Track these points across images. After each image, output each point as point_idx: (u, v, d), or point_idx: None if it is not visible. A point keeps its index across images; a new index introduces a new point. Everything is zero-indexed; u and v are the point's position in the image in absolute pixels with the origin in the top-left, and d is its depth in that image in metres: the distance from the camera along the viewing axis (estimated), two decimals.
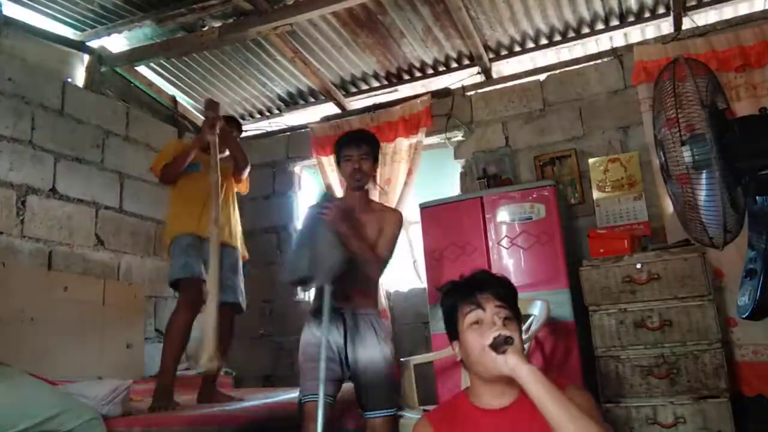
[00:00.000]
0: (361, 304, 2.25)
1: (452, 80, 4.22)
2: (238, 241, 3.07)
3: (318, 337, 2.15)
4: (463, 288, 1.51)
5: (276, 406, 2.79)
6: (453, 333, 1.54)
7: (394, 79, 4.31)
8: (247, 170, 3.12)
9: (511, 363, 1.34)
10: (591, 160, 3.71)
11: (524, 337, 2.00)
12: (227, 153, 3.02)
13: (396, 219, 2.33)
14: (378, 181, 2.48)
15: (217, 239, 2.68)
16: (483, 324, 1.43)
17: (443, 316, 1.57)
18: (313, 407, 2.02)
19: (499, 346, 1.36)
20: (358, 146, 2.31)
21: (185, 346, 2.77)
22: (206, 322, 2.51)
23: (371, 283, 2.31)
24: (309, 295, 4.40)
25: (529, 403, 1.39)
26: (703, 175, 1.64)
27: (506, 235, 3.31)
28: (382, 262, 2.24)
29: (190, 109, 4.67)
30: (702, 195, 1.67)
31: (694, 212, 1.73)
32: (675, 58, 1.75)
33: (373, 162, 2.36)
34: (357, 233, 2.18)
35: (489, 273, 1.56)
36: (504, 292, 1.48)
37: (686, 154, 1.63)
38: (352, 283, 2.19)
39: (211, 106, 3.04)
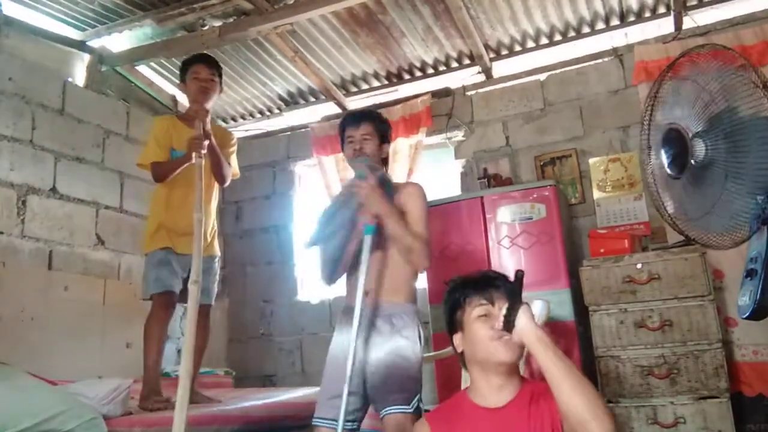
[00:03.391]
0: (385, 298, 1.96)
1: (453, 80, 4.21)
2: (215, 247, 2.89)
3: (340, 344, 1.92)
4: (477, 282, 1.53)
5: (276, 406, 2.79)
6: (454, 327, 1.55)
7: (395, 78, 4.30)
8: (227, 183, 2.87)
9: (521, 324, 1.36)
10: (591, 160, 3.71)
11: None
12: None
13: (416, 191, 2.03)
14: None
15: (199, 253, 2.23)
16: (490, 317, 1.46)
17: (446, 310, 1.57)
18: None
19: (510, 315, 1.38)
20: (357, 126, 2.09)
21: (164, 344, 2.73)
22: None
23: (406, 273, 2.00)
24: (309, 294, 4.41)
25: (526, 401, 1.42)
26: (720, 170, 1.63)
27: (507, 235, 3.31)
28: (425, 245, 1.92)
29: None
30: (721, 190, 1.66)
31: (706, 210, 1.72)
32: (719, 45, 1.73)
33: (380, 142, 2.10)
34: (395, 213, 1.91)
35: (498, 273, 1.58)
36: (512, 289, 1.49)
37: (699, 147, 1.62)
38: (382, 274, 1.96)
39: (199, 114, 2.65)
